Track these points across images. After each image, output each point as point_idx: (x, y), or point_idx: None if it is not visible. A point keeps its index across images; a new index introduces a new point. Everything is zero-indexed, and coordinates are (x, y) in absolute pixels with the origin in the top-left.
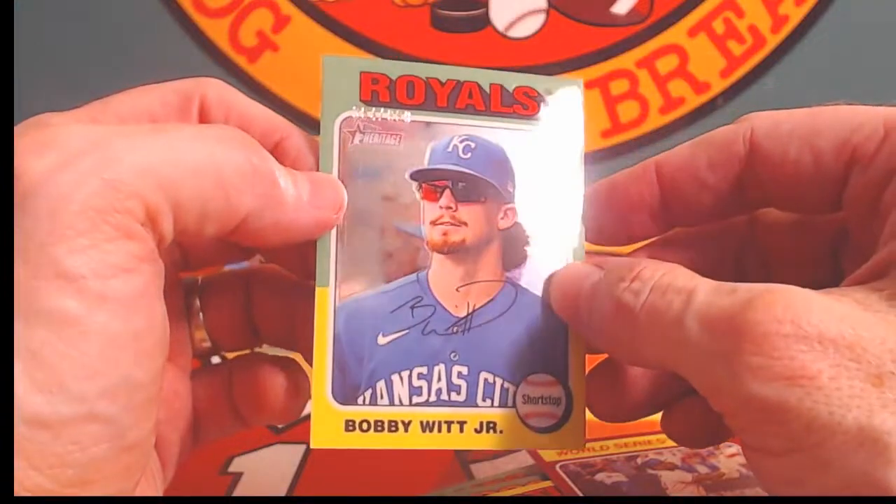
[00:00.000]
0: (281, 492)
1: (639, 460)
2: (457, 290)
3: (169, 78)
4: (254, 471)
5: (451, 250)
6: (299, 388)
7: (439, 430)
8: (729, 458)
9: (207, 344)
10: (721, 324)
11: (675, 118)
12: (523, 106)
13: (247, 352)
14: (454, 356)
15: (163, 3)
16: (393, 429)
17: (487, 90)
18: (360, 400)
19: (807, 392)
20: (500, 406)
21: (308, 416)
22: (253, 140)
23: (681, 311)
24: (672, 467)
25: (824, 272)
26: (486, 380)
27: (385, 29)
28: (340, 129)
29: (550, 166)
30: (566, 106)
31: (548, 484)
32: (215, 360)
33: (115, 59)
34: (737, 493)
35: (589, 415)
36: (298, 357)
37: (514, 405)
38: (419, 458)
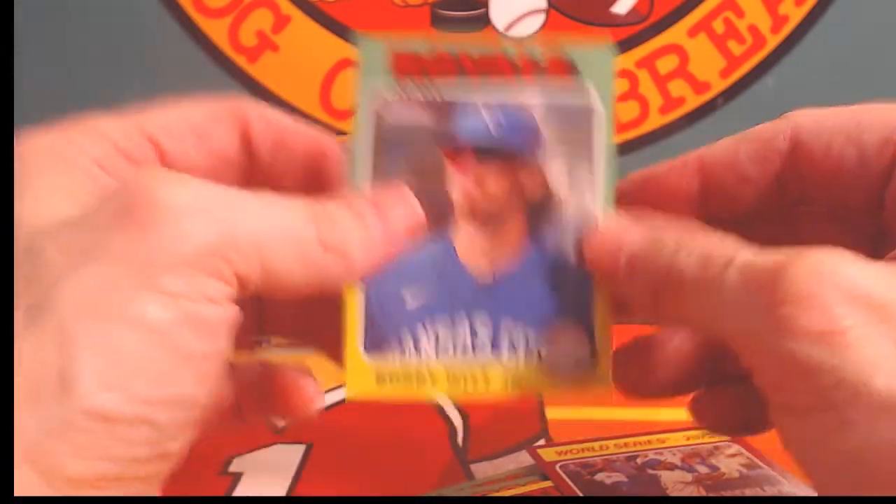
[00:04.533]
0: (281, 492)
1: (639, 460)
2: (482, 253)
3: (169, 77)
4: (254, 471)
5: (476, 216)
6: (306, 388)
7: (465, 381)
8: (729, 458)
9: None
10: (759, 277)
11: (675, 118)
12: (553, 73)
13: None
14: (478, 311)
15: (163, 3)
16: (421, 381)
17: (517, 60)
18: (388, 353)
19: (836, 349)
20: (524, 356)
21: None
22: (321, 210)
23: (724, 267)
24: (672, 467)
25: None
26: (510, 332)
27: (385, 29)
28: (372, 107)
29: (581, 130)
30: (596, 72)
31: (548, 484)
32: None
33: (115, 58)
34: (737, 493)
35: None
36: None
37: (538, 355)
38: (419, 458)
